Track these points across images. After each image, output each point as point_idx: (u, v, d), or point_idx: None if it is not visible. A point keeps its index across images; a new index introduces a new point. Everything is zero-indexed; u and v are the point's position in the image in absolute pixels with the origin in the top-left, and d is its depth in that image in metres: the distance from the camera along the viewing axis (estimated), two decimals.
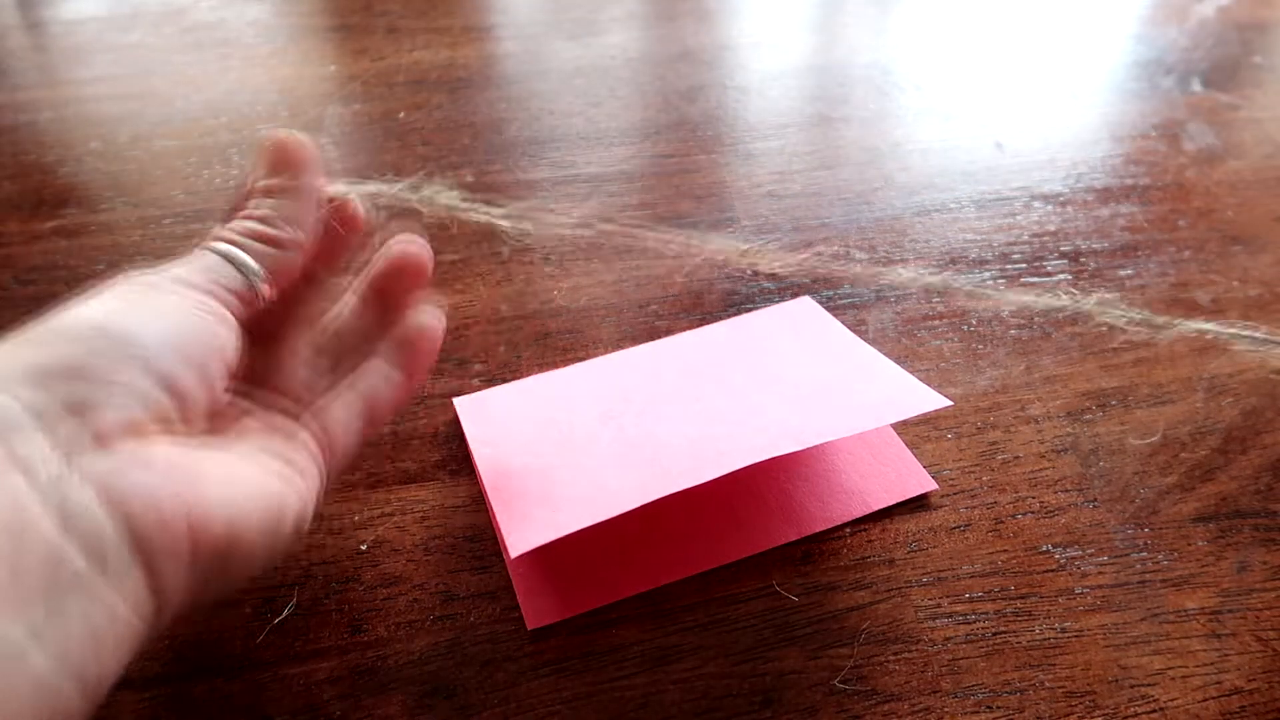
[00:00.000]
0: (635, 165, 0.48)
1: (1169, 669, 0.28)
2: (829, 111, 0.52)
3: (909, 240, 0.43)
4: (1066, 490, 0.33)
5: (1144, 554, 0.31)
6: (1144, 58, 0.56)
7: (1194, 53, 0.56)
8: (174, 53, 0.58)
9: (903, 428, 0.35)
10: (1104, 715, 0.27)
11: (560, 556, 0.31)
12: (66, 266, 0.43)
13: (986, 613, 0.29)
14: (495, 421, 0.35)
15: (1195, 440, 0.34)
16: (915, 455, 0.34)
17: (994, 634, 0.29)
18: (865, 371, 0.34)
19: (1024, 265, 0.42)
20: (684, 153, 0.49)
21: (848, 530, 0.32)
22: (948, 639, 0.29)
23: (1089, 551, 0.31)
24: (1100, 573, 0.30)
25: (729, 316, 0.40)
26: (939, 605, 0.30)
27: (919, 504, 0.33)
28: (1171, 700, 0.27)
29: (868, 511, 0.32)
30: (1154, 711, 0.27)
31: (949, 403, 0.31)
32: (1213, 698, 0.27)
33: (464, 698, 0.27)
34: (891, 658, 0.28)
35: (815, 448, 0.34)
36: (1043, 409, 0.36)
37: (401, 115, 0.52)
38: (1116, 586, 0.30)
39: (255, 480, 0.22)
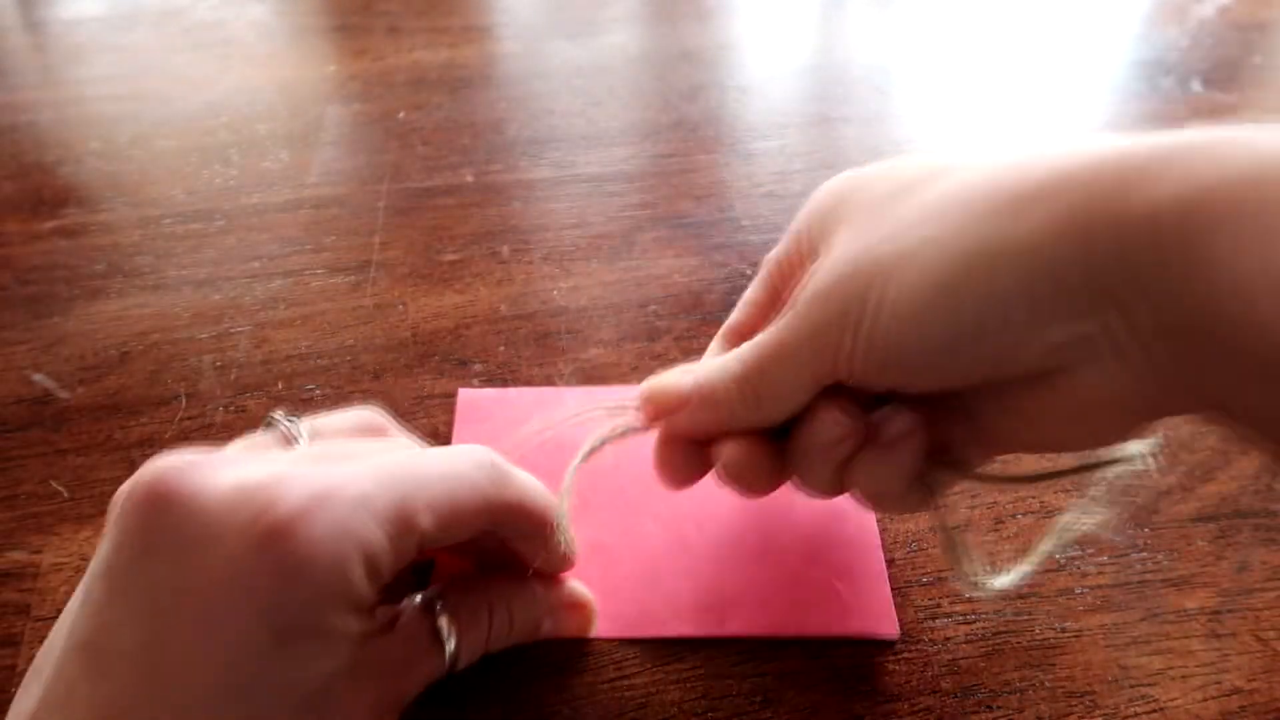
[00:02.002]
0: (635, 165, 0.48)
1: (1169, 669, 0.28)
2: (829, 111, 0.52)
3: None
4: (1066, 490, 0.33)
5: (1144, 554, 0.31)
6: (1144, 58, 0.56)
7: (1194, 53, 0.56)
8: (174, 53, 0.58)
9: None
10: (1104, 715, 0.27)
11: None
12: (66, 266, 0.43)
13: (986, 613, 0.29)
14: (487, 424, 0.35)
15: (1195, 440, 0.34)
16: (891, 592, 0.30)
17: (994, 634, 0.29)
18: (847, 560, 0.31)
19: None
20: (684, 153, 0.49)
21: None
22: (948, 639, 0.29)
23: (1089, 551, 0.31)
24: (1100, 573, 0.30)
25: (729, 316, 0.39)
26: (939, 605, 0.30)
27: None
28: (1171, 700, 0.27)
29: (808, 635, 0.29)
30: (1154, 711, 0.27)
31: (895, 635, 0.28)
32: (1213, 698, 0.27)
33: (463, 697, 0.27)
34: (891, 658, 0.28)
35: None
36: None
37: (401, 115, 0.52)
38: (1116, 586, 0.30)
39: None
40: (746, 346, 0.26)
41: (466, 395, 0.36)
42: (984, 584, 0.27)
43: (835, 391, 0.25)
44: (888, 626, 0.29)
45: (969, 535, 0.31)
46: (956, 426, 0.25)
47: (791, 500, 0.31)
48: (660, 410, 0.27)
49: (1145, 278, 0.18)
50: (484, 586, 0.26)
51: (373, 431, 0.27)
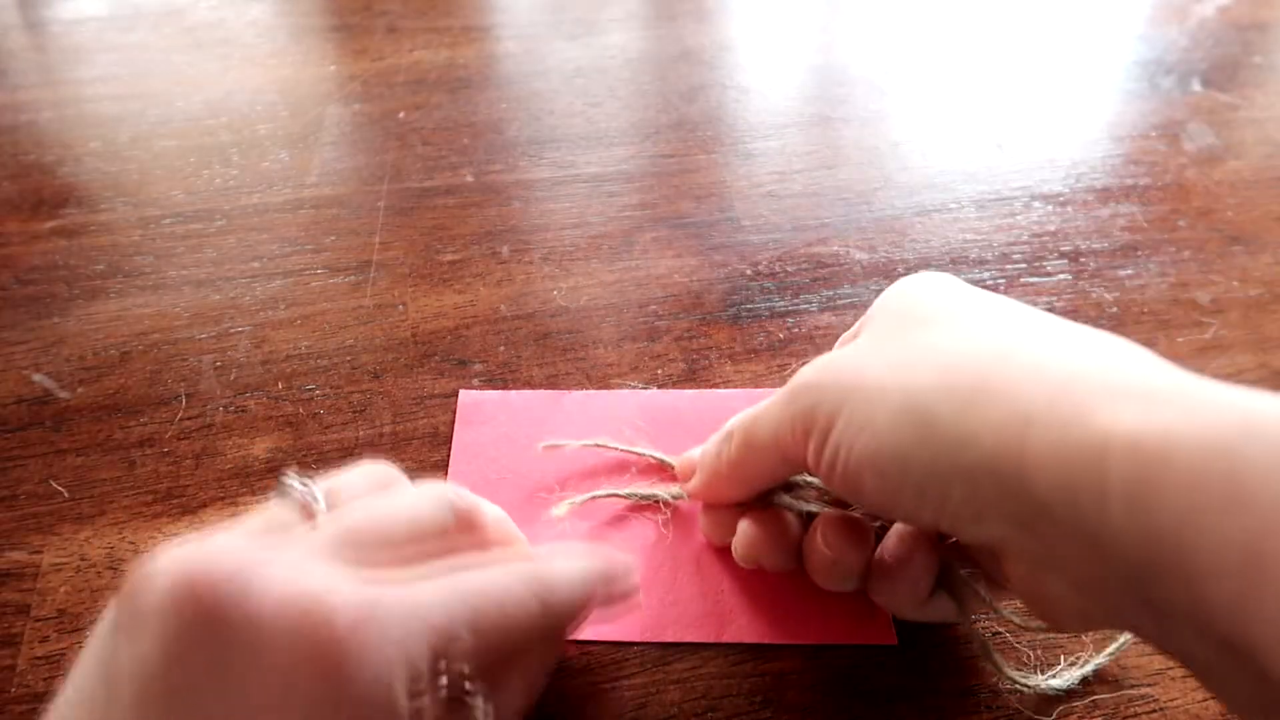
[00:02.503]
0: (635, 165, 0.48)
1: (1169, 669, 0.28)
2: (829, 111, 0.52)
3: (909, 240, 0.43)
4: None
5: None
6: (1144, 58, 0.56)
7: (1194, 53, 0.56)
8: (174, 53, 0.58)
9: None
10: (1104, 715, 0.27)
11: None
12: (66, 266, 0.43)
13: (986, 613, 0.29)
14: (488, 426, 0.35)
15: None
16: None
17: (994, 634, 0.29)
18: None
19: (1024, 265, 0.42)
20: (684, 153, 0.49)
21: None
22: (948, 639, 0.29)
23: None
24: None
25: (729, 317, 0.40)
26: None
27: None
28: (1171, 700, 0.27)
29: (807, 643, 0.29)
30: (1154, 711, 0.27)
31: (893, 643, 0.29)
32: (1213, 698, 0.27)
33: None
34: (891, 658, 0.28)
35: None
36: None
37: (401, 115, 0.52)
38: None
39: None
40: (738, 420, 0.27)
41: (468, 397, 0.36)
42: (1033, 686, 0.27)
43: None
44: (886, 635, 0.29)
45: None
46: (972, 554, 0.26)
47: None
48: (681, 475, 0.31)
49: (1064, 518, 0.19)
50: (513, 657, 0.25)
51: (384, 486, 0.26)
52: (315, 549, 0.22)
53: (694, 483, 0.30)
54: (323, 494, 0.25)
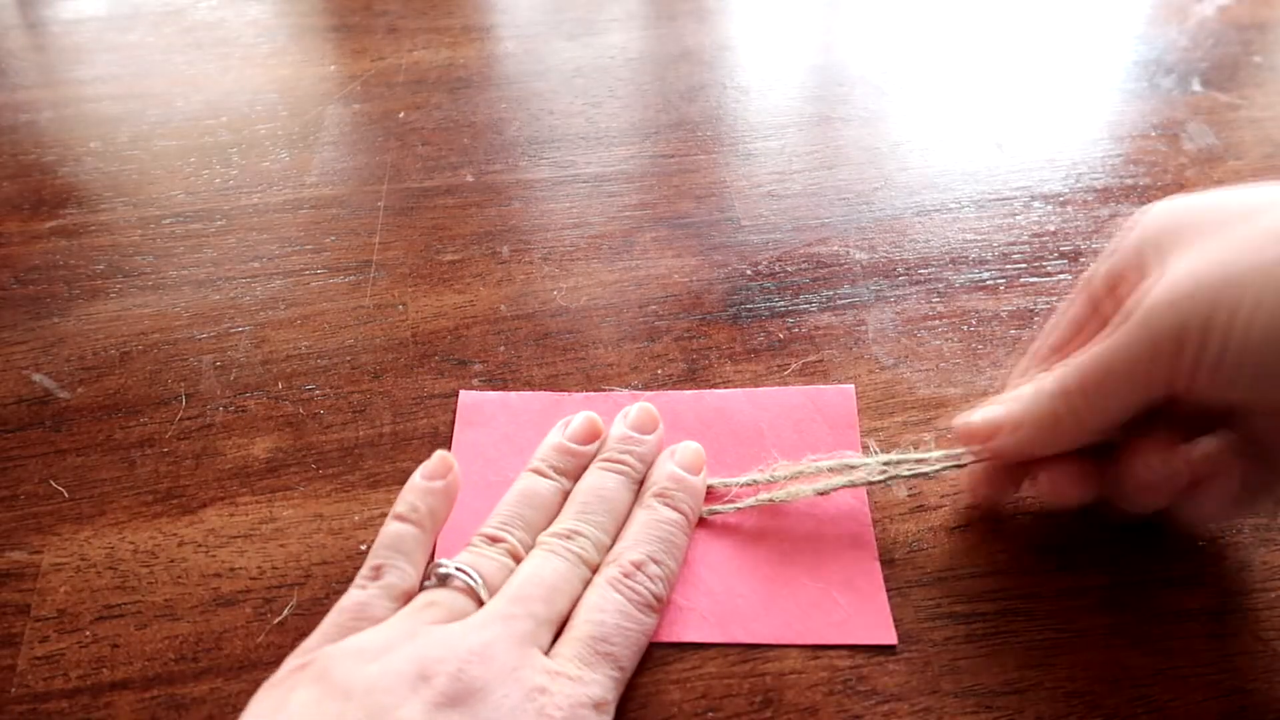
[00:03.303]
0: (635, 165, 0.48)
1: (1169, 669, 0.28)
2: (829, 111, 0.52)
3: (909, 240, 0.43)
4: None
5: (1144, 554, 0.31)
6: (1144, 58, 0.56)
7: (1194, 53, 0.56)
8: (174, 53, 0.58)
9: (901, 427, 0.35)
10: (1104, 715, 0.27)
11: None
12: (66, 266, 0.43)
13: (986, 613, 0.29)
14: (488, 428, 0.35)
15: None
16: (890, 595, 0.30)
17: (994, 634, 0.29)
18: (845, 568, 0.31)
19: (1024, 265, 0.42)
20: (684, 153, 0.49)
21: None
22: (948, 639, 0.29)
23: (1089, 551, 0.31)
24: (1100, 573, 0.30)
25: (729, 317, 0.40)
26: (939, 605, 0.30)
27: (919, 504, 0.33)
28: (1171, 700, 0.27)
29: (807, 644, 0.29)
30: (1154, 711, 0.27)
31: (893, 642, 0.29)
32: (1213, 698, 0.27)
33: None
34: (891, 658, 0.28)
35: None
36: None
37: (401, 115, 0.52)
38: (1116, 586, 0.30)
39: None
40: (1066, 369, 0.27)
41: (468, 398, 0.36)
42: None
43: (1151, 422, 0.27)
44: (885, 635, 0.29)
45: None
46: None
47: (790, 512, 0.31)
48: (973, 439, 0.30)
49: None
50: None
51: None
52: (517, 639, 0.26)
53: (1009, 440, 0.29)
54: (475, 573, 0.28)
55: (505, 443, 0.35)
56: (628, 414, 0.33)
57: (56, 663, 0.29)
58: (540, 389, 0.37)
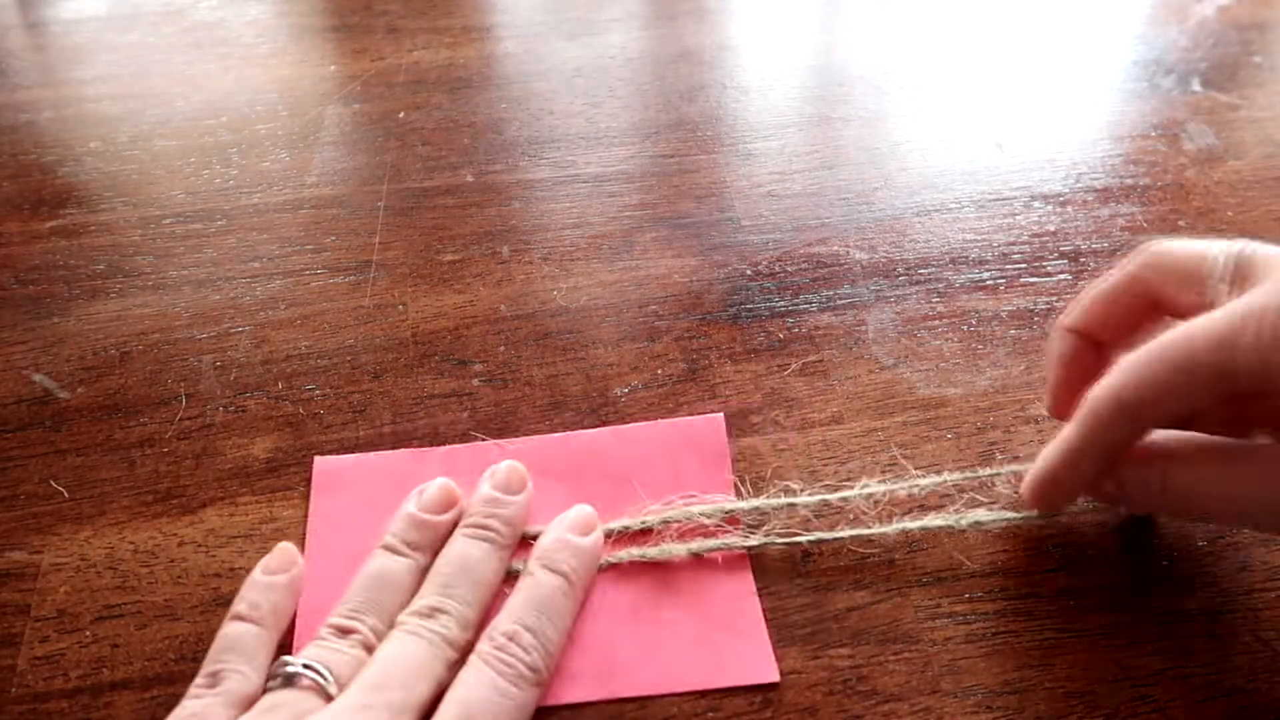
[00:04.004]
0: (635, 165, 0.48)
1: (1169, 669, 0.28)
2: (829, 111, 0.52)
3: (909, 240, 0.43)
4: None
5: (1144, 554, 0.31)
6: (1144, 58, 0.56)
7: (1194, 53, 0.56)
8: (174, 53, 0.58)
9: (901, 427, 0.35)
10: (1104, 715, 0.27)
11: None
12: (66, 266, 0.43)
13: (986, 613, 0.30)
14: (347, 493, 0.33)
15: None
16: (770, 628, 0.29)
17: (994, 634, 0.29)
18: (717, 604, 0.30)
19: (1024, 265, 0.42)
20: (684, 153, 0.49)
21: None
22: (948, 639, 0.29)
23: (1089, 551, 0.31)
24: (1100, 573, 0.30)
25: (729, 317, 0.40)
26: (939, 605, 0.30)
27: (919, 504, 0.33)
28: (1171, 700, 0.27)
29: (688, 689, 0.28)
30: (1154, 711, 0.27)
31: (775, 680, 0.28)
32: (1213, 698, 0.27)
33: None
34: (891, 658, 0.28)
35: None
36: (1043, 409, 0.36)
37: (401, 115, 0.52)
38: (1116, 586, 0.30)
39: None
40: (1099, 391, 0.27)
41: (322, 464, 0.34)
42: None
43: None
44: (767, 673, 0.28)
45: None
46: None
47: (666, 559, 0.31)
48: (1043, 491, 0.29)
49: None
50: None
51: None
52: None
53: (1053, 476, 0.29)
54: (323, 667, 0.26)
55: (367, 508, 0.32)
56: (495, 473, 0.31)
57: (56, 663, 0.29)
58: (540, 389, 0.37)
